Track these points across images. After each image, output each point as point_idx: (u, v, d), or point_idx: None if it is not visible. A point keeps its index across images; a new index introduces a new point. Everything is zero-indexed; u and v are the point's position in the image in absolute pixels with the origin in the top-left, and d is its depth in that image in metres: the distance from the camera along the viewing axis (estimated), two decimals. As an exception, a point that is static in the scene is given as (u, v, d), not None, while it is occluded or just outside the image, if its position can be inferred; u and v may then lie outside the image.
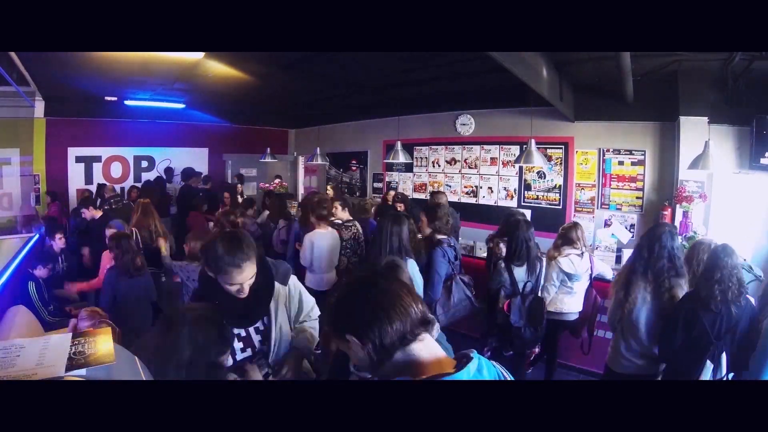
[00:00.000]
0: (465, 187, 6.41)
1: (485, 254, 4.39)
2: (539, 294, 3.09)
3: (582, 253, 3.22)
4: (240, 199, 6.26)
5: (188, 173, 7.45)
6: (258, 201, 6.27)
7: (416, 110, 6.58)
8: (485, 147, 6.14)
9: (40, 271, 3.60)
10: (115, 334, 3.46)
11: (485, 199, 6.18)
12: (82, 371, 0.85)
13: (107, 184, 6.66)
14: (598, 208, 5.19)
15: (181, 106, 6.85)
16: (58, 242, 4.25)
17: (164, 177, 7.70)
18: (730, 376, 2.20)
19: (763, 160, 3.90)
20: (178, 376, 1.32)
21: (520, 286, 2.96)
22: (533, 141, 4.02)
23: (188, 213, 5.94)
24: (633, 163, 4.91)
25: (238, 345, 1.71)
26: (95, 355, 0.90)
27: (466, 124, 6.29)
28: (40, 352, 0.90)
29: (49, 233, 4.35)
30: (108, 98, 6.29)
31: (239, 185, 7.31)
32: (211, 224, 4.78)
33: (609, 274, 3.51)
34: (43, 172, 6.62)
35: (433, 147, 6.73)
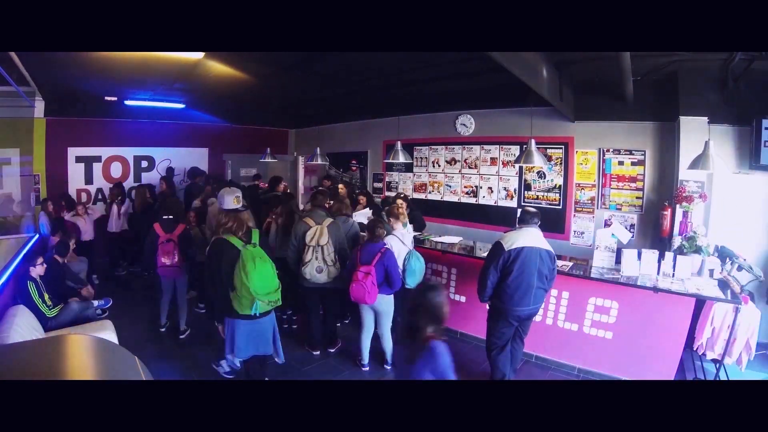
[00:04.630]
0: (465, 187, 6.41)
1: (485, 254, 4.40)
2: None
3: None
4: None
5: (194, 172, 7.51)
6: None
7: (416, 110, 6.59)
8: (485, 147, 6.14)
9: (36, 270, 3.60)
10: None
11: (485, 199, 6.18)
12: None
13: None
14: (598, 208, 5.19)
15: (181, 106, 6.85)
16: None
17: (166, 176, 7.72)
18: None
19: (764, 151, 3.90)
20: None
21: None
22: (533, 141, 4.02)
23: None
24: (633, 163, 4.91)
25: None
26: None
27: (466, 124, 6.29)
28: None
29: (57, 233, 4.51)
30: (108, 98, 6.28)
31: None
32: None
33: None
34: (43, 172, 6.62)
35: (433, 147, 6.73)
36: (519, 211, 3.35)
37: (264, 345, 3.00)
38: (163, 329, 4.45)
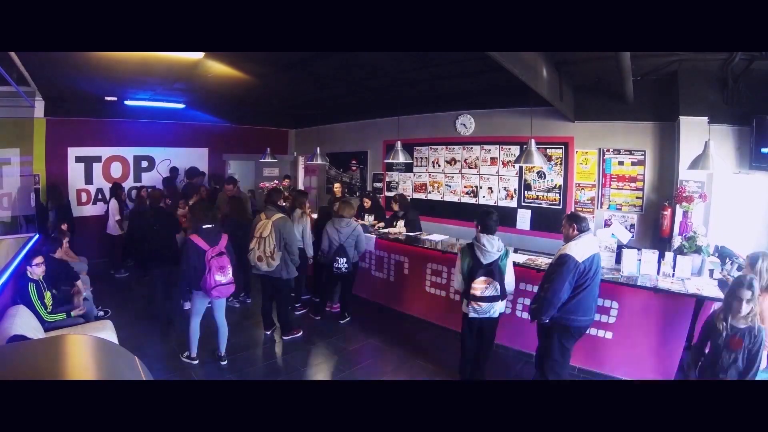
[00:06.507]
0: (465, 187, 6.41)
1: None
2: None
3: None
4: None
5: (192, 173, 7.56)
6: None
7: (416, 110, 6.59)
8: (485, 147, 6.14)
9: (35, 270, 3.60)
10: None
11: (485, 199, 6.18)
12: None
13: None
14: (598, 208, 5.19)
15: (181, 106, 6.86)
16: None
17: (169, 176, 7.76)
18: None
19: (764, 149, 3.91)
20: None
21: None
22: (533, 141, 4.02)
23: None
24: (633, 163, 4.91)
25: None
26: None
27: (466, 124, 6.29)
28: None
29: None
30: (108, 98, 6.29)
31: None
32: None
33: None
34: (43, 172, 6.62)
35: (433, 147, 6.73)
36: (574, 218, 3.03)
37: None
38: (224, 362, 3.76)
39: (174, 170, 7.91)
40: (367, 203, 6.15)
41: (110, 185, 6.95)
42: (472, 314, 3.13)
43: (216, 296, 3.56)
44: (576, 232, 2.99)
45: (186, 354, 3.76)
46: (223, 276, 3.50)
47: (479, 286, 3.07)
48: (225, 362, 3.77)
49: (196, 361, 3.72)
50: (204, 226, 3.58)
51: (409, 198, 6.48)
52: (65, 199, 6.60)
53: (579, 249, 2.89)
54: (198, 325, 3.70)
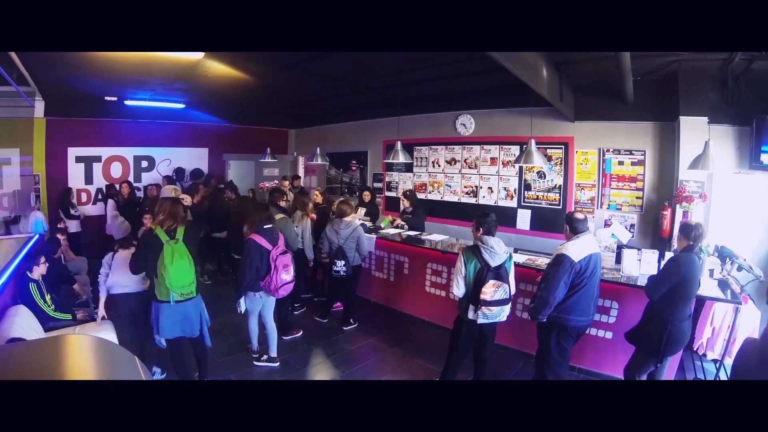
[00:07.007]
0: (465, 187, 6.41)
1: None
2: None
3: None
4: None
5: (196, 173, 7.63)
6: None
7: (416, 110, 6.60)
8: (485, 147, 6.15)
9: (37, 270, 3.60)
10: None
11: (485, 199, 6.18)
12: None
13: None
14: (598, 208, 5.19)
15: (181, 106, 6.86)
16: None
17: (171, 176, 7.78)
18: None
19: (763, 156, 3.92)
20: None
21: None
22: (533, 141, 4.02)
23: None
24: (633, 163, 4.91)
25: None
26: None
27: (466, 124, 6.30)
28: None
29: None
30: (108, 98, 6.29)
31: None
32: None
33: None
34: (43, 172, 6.62)
35: (433, 147, 6.74)
36: (568, 219, 3.06)
37: (189, 328, 3.14)
38: (277, 364, 3.80)
39: (179, 171, 7.94)
40: (367, 196, 6.17)
41: (105, 186, 6.98)
42: (481, 320, 3.03)
43: (282, 295, 3.58)
44: (572, 234, 3.01)
45: (249, 346, 3.91)
46: (287, 274, 3.52)
47: (489, 290, 2.99)
48: (278, 363, 3.79)
49: (256, 354, 3.84)
50: (265, 226, 3.55)
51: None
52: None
53: (576, 248, 2.90)
54: (256, 323, 3.79)
